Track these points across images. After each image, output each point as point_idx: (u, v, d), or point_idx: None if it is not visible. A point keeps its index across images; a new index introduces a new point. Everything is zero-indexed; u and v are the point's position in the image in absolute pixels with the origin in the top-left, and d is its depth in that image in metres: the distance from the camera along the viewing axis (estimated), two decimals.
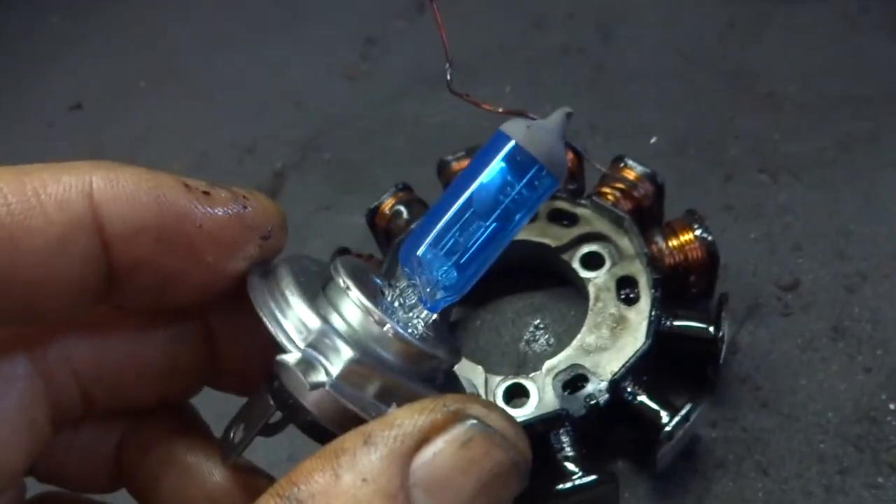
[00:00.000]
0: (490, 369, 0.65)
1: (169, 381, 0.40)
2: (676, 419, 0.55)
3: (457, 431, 0.30)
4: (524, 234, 0.70)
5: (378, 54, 1.06)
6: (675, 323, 0.62)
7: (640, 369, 0.60)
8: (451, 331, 0.72)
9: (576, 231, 0.69)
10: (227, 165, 0.97)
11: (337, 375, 0.33)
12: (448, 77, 0.50)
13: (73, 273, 0.32)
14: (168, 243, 0.33)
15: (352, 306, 0.36)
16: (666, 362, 0.63)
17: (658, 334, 0.61)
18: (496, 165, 0.42)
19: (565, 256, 0.69)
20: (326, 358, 0.34)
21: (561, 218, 0.70)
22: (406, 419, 0.30)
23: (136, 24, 1.24)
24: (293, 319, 0.35)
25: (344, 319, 0.36)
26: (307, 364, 0.33)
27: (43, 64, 1.22)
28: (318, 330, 0.34)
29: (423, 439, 0.30)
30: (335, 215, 0.88)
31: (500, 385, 0.62)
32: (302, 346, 0.34)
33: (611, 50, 0.98)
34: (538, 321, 0.73)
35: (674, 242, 0.65)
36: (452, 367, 0.42)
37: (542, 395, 0.60)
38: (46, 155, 1.01)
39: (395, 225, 0.73)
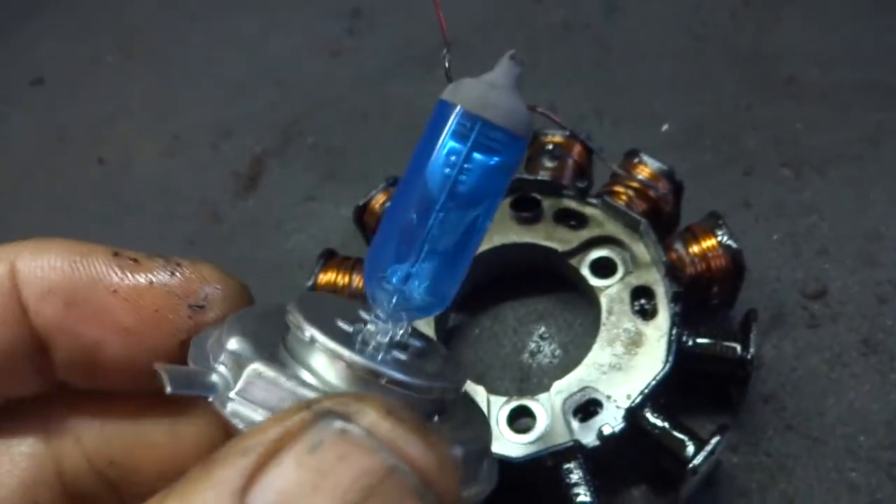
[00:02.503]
0: (491, 386, 0.60)
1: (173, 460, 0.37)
2: (703, 454, 0.50)
3: (307, 438, 0.24)
4: (527, 237, 0.64)
5: (365, 28, 0.98)
6: (698, 341, 0.56)
7: (658, 393, 0.54)
8: (447, 342, 0.66)
9: (585, 234, 0.63)
10: (202, 151, 0.90)
11: (237, 390, 0.29)
12: (447, 64, 0.44)
13: None
14: (79, 308, 0.33)
15: (310, 347, 0.31)
16: (683, 379, 0.57)
17: (678, 353, 0.55)
18: (429, 134, 0.35)
19: (573, 261, 0.63)
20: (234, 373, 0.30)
21: (568, 218, 0.64)
22: (258, 435, 0.24)
23: None
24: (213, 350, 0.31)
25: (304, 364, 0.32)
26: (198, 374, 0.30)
27: (0, 32, 1.13)
28: (231, 350, 0.30)
29: (269, 458, 0.23)
30: (319, 207, 0.81)
31: (503, 407, 0.57)
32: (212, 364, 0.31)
33: (617, 26, 0.91)
34: (542, 330, 0.67)
35: (694, 249, 0.60)
36: (447, 391, 0.34)
37: (550, 422, 0.55)
38: (4, 135, 0.94)
39: None
